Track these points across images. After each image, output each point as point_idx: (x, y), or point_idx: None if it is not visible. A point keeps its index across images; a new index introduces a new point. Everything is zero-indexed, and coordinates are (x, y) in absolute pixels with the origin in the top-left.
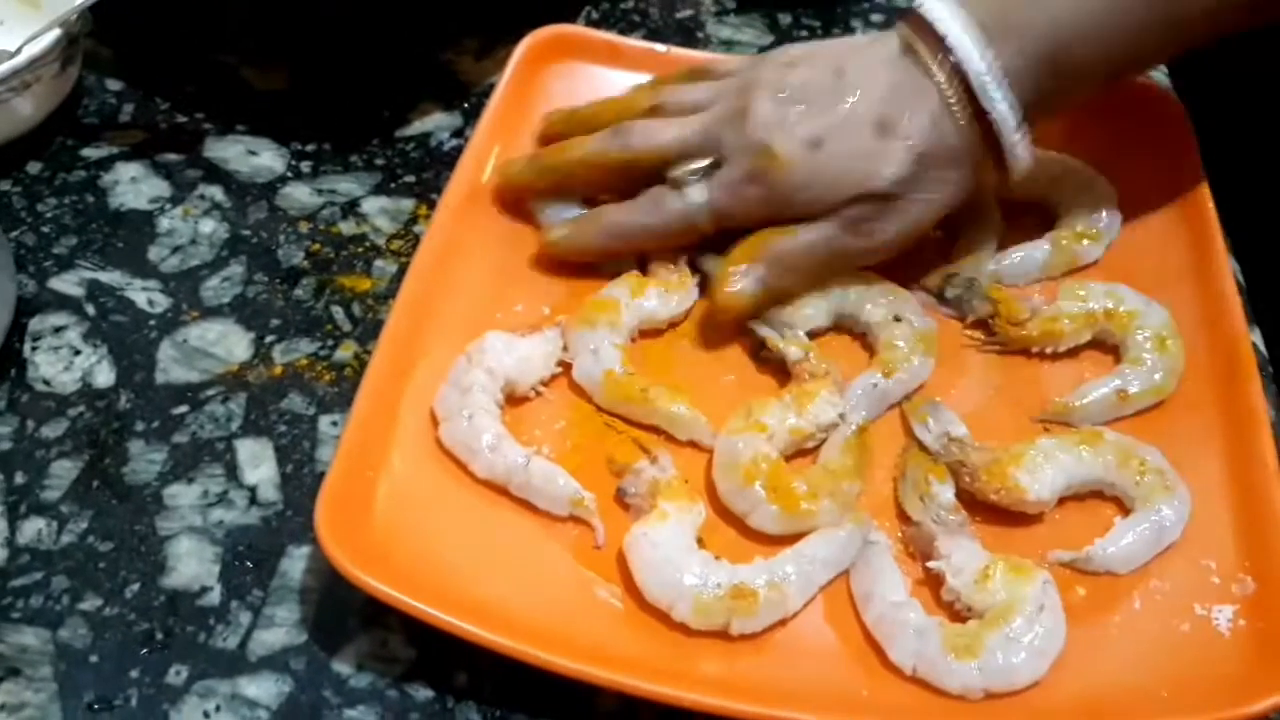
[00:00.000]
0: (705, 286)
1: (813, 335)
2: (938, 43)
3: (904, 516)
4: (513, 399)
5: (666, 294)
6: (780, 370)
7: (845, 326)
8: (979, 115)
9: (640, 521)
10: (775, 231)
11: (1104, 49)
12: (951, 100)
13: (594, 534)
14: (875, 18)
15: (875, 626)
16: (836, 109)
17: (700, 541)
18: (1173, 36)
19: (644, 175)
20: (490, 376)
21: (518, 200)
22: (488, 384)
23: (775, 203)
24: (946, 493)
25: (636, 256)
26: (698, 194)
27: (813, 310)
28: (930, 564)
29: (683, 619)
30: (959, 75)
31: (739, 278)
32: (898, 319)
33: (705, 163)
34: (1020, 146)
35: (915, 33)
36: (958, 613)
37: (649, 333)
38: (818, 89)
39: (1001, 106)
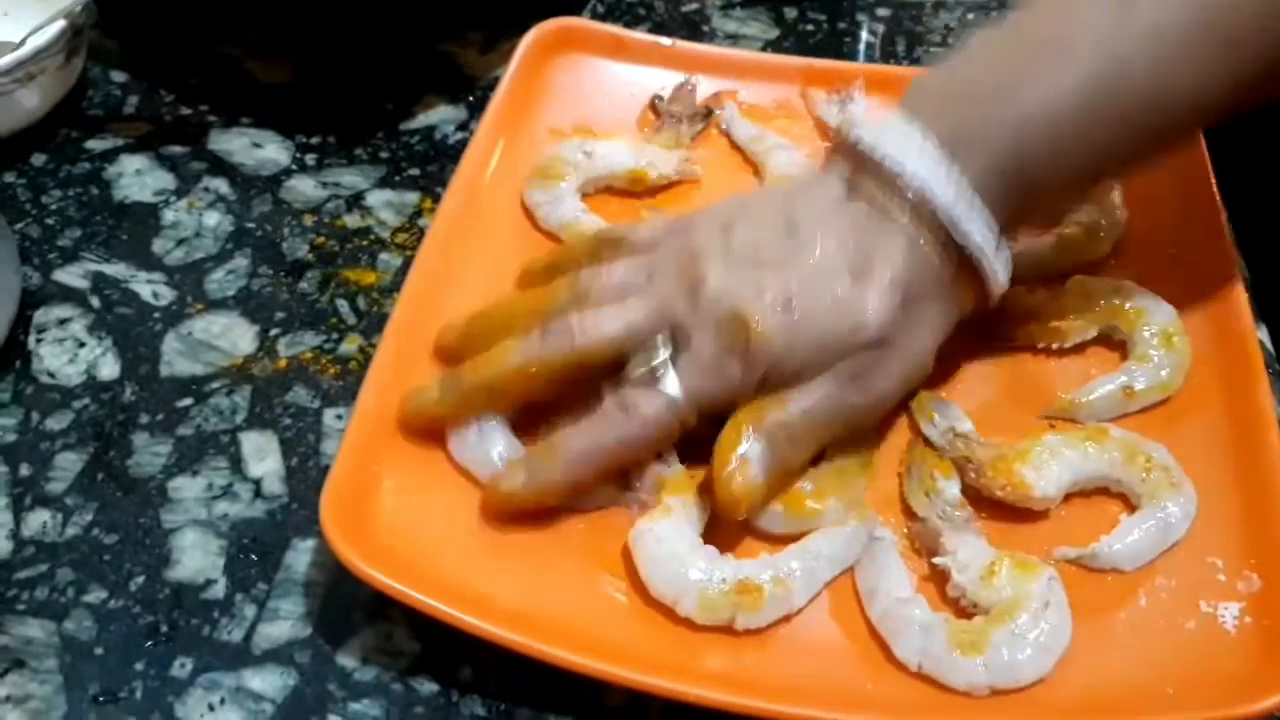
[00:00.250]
0: None
1: None
2: (890, 181)
3: (909, 512)
4: (531, 406)
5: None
6: None
7: None
8: (951, 245)
9: (645, 517)
10: (766, 404)
11: (1081, 152)
12: (920, 239)
13: (601, 526)
14: (881, 11)
15: (880, 622)
16: (800, 264)
17: (705, 538)
18: (1157, 129)
19: (590, 377)
20: None
21: (429, 428)
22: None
23: (757, 377)
24: (952, 488)
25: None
26: (672, 386)
27: None
28: (936, 560)
29: (687, 614)
30: (923, 210)
31: (743, 467)
32: None
33: (668, 350)
34: (1000, 270)
35: (861, 171)
36: (963, 609)
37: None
38: (771, 248)
39: (976, 238)
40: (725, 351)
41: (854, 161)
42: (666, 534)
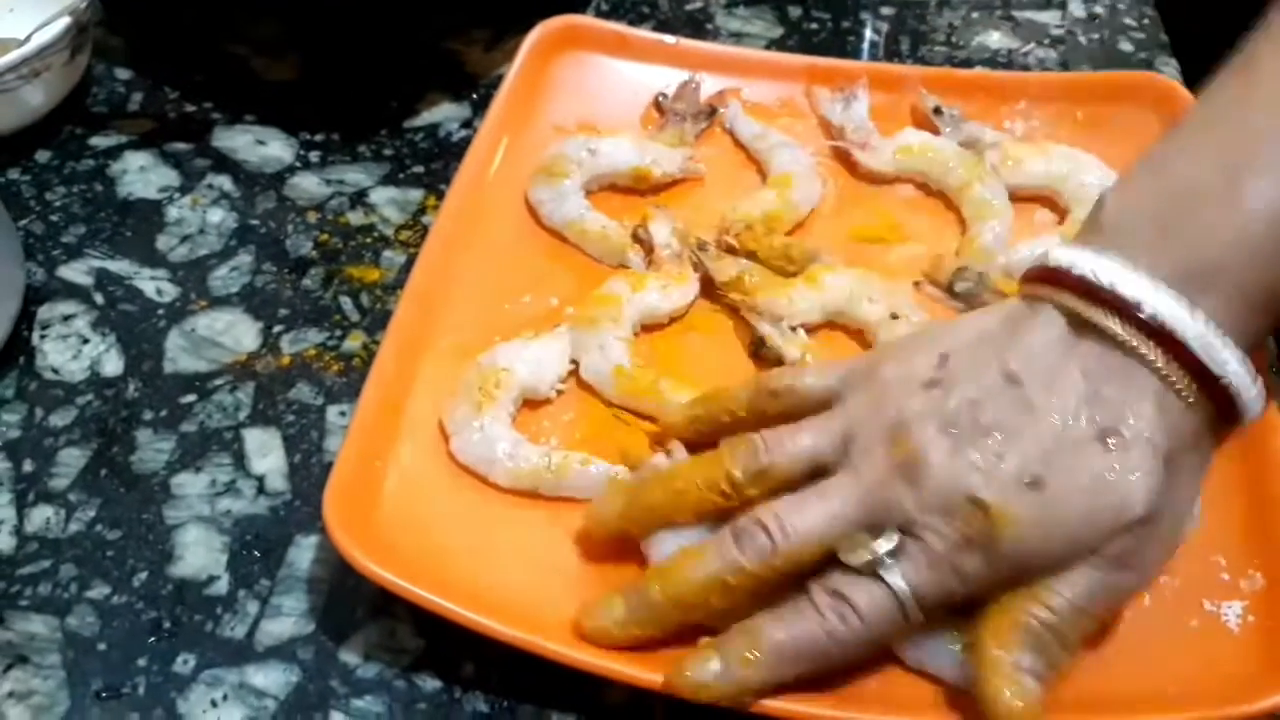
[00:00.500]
0: (706, 281)
1: (808, 330)
2: (1128, 311)
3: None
4: (532, 403)
5: (667, 288)
6: (779, 366)
7: (841, 323)
8: (1207, 383)
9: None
10: (1022, 602)
11: None
12: (1172, 378)
13: None
14: (885, 10)
15: None
16: (1039, 430)
17: None
18: None
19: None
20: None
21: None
22: (500, 398)
23: (1005, 569)
24: None
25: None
26: (897, 581)
27: (807, 306)
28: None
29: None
30: (1172, 345)
31: (1016, 680)
32: (895, 316)
33: (893, 541)
34: (1257, 400)
35: (1088, 302)
36: None
37: (651, 327)
38: (996, 409)
39: (1234, 366)
40: (962, 544)
41: (1073, 292)
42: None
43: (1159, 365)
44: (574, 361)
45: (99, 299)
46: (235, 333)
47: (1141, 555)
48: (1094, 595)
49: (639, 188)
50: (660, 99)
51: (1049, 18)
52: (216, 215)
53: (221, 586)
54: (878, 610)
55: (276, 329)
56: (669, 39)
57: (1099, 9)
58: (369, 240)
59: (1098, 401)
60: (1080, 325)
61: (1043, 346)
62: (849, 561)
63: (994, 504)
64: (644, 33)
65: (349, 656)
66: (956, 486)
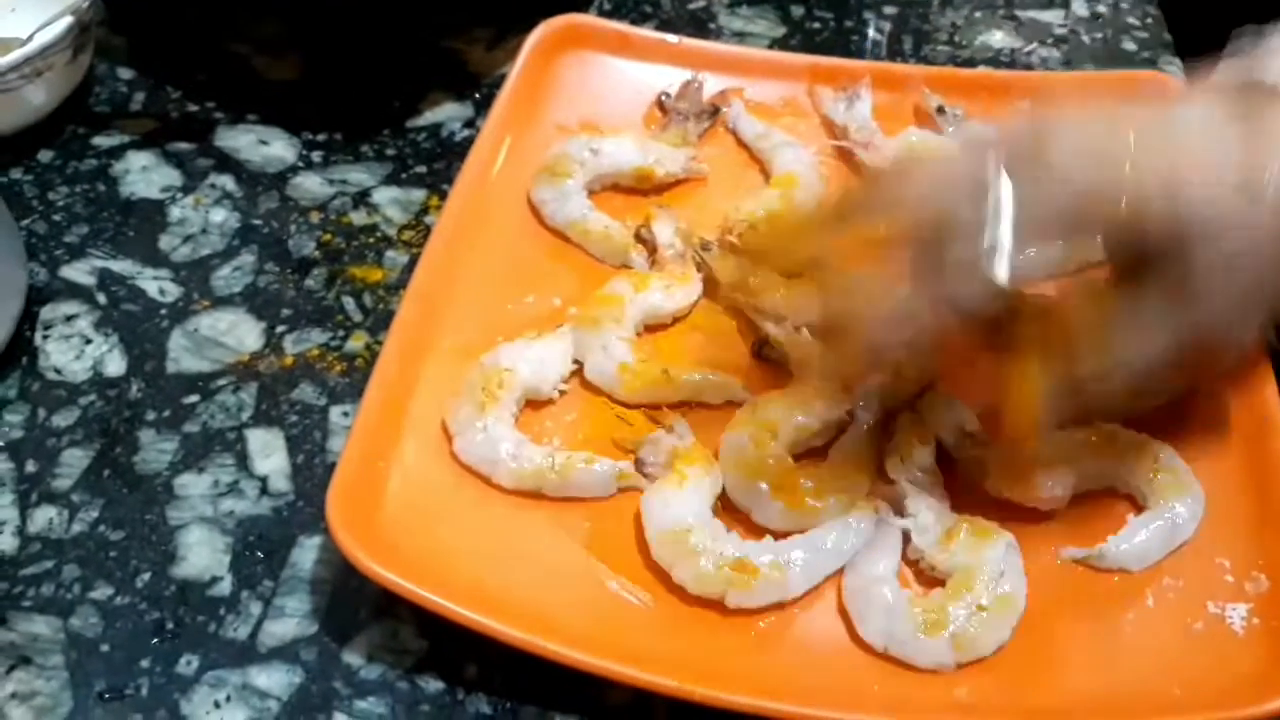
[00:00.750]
0: (709, 281)
1: (811, 330)
2: None
3: (884, 476)
4: (535, 403)
5: (670, 288)
6: (782, 367)
7: None
8: None
9: (658, 482)
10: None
11: None
12: None
13: (607, 523)
14: (888, 9)
15: (849, 601)
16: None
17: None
18: None
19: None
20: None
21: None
22: (503, 398)
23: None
24: (926, 456)
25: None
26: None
27: (809, 304)
28: (898, 521)
29: (681, 581)
30: None
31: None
32: None
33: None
34: None
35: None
36: (928, 577)
37: (654, 327)
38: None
39: None
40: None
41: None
42: (674, 500)
43: None
44: (577, 361)
45: (102, 299)
46: (238, 333)
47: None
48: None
49: (642, 187)
50: (663, 98)
51: (1052, 17)
52: (219, 215)
53: (224, 587)
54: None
55: (279, 329)
56: (671, 38)
57: (1102, 8)
58: (372, 240)
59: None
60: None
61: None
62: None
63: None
64: (646, 32)
65: (352, 657)
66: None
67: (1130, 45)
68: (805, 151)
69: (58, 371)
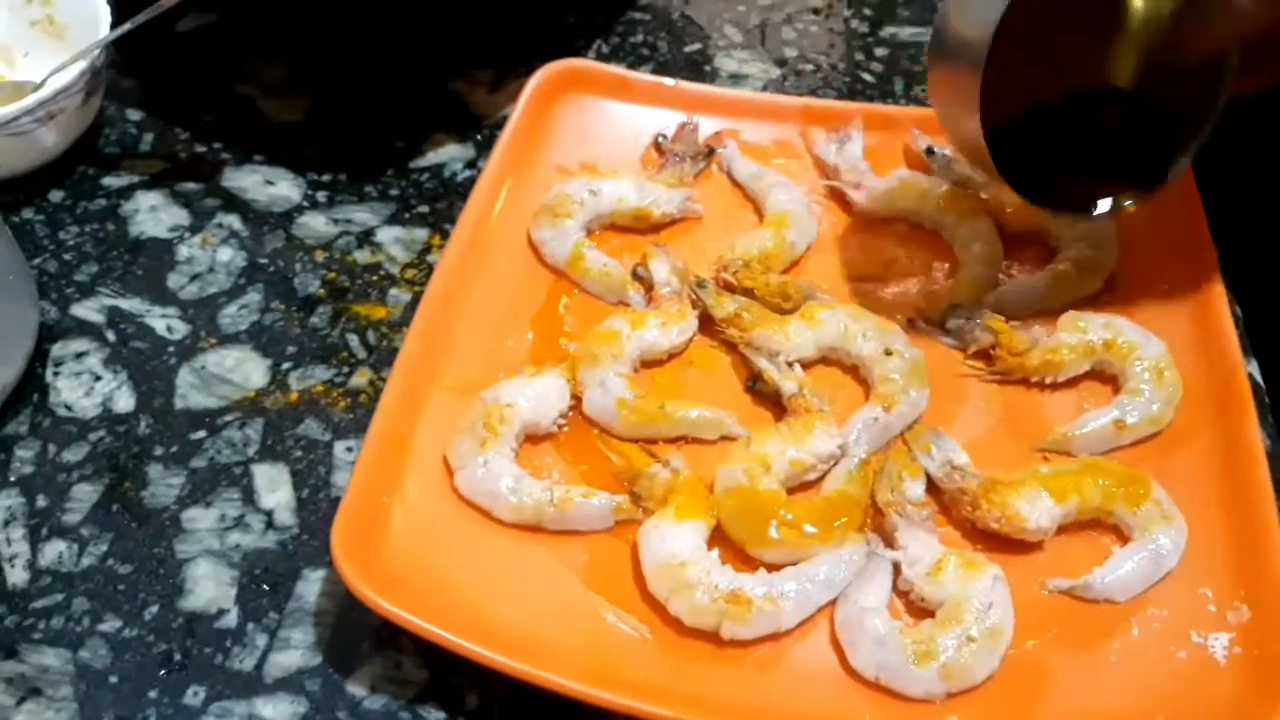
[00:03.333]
0: (705, 318)
1: (803, 366)
2: None
3: (876, 508)
4: (534, 438)
5: (666, 325)
6: (776, 402)
7: (835, 359)
8: None
9: (656, 515)
10: None
11: None
12: None
13: (604, 556)
14: (879, 51)
15: (841, 630)
16: None
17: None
18: None
19: None
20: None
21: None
22: (504, 433)
23: None
24: (916, 488)
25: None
26: None
27: (802, 341)
28: (888, 553)
29: (677, 613)
30: None
31: None
32: (888, 352)
33: None
34: None
35: None
36: (918, 607)
37: (650, 363)
38: None
39: None
40: None
41: None
42: (670, 533)
43: None
44: (575, 397)
45: (111, 336)
46: (244, 370)
47: None
48: None
49: (639, 227)
50: (660, 140)
51: None
52: (226, 254)
53: (231, 620)
54: None
55: (285, 366)
56: (668, 82)
57: None
58: (375, 278)
59: None
60: None
61: None
62: None
63: None
64: (644, 76)
65: (355, 688)
66: None
67: None
68: (798, 191)
69: (68, 408)
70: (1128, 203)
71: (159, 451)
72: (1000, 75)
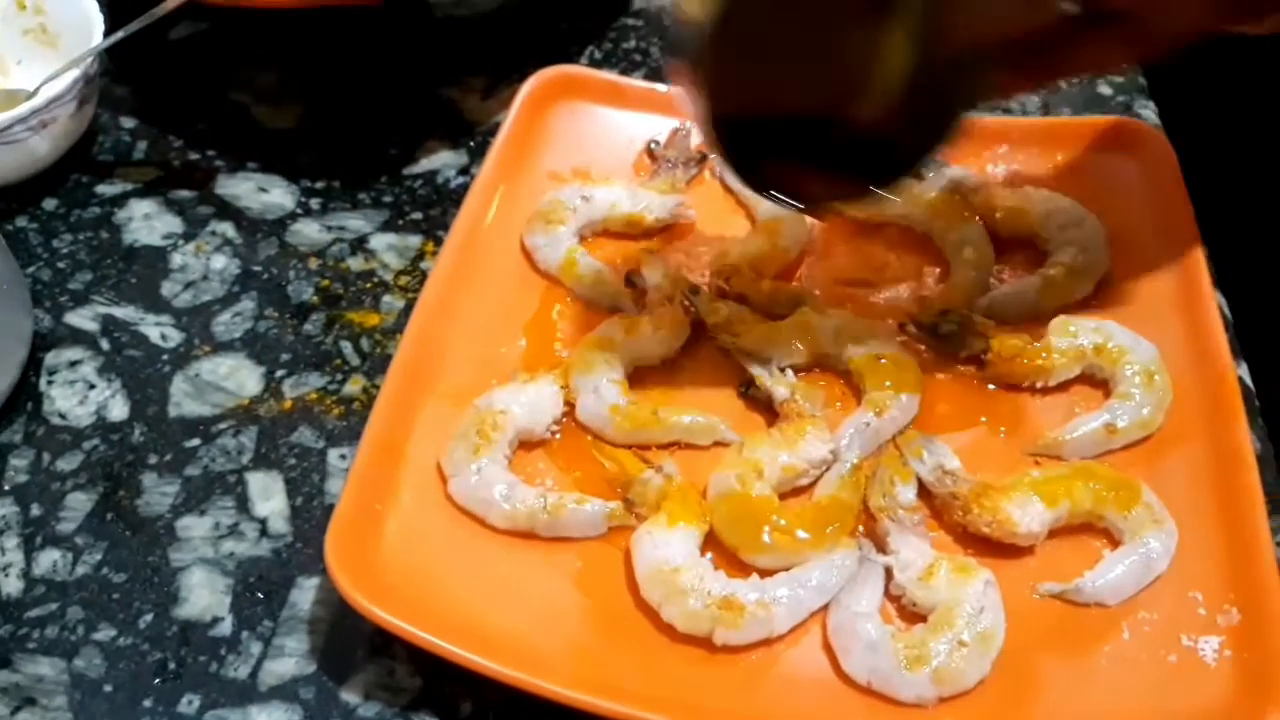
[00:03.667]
0: (697, 324)
1: (795, 371)
2: None
3: (868, 513)
4: (527, 444)
5: (659, 331)
6: (768, 407)
7: (827, 364)
8: None
9: (648, 522)
10: None
11: None
12: None
13: (597, 562)
14: None
15: (833, 636)
16: None
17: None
18: None
19: None
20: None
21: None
22: (497, 440)
23: None
24: (907, 493)
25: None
26: None
27: (795, 347)
28: (880, 558)
29: (670, 620)
30: None
31: None
32: (880, 357)
33: None
34: None
35: None
36: (910, 612)
37: (643, 369)
38: None
39: None
40: None
41: None
42: (663, 540)
43: None
44: (568, 403)
45: (105, 345)
46: (238, 377)
47: None
48: None
49: (631, 233)
50: (652, 146)
51: None
52: (219, 261)
53: (225, 628)
54: None
55: (278, 373)
56: (660, 88)
57: None
58: (369, 286)
59: None
60: None
61: None
62: None
63: None
64: (636, 82)
65: (349, 696)
66: None
67: (1106, 89)
68: None
69: (62, 416)
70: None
71: (153, 460)
72: (722, 77)
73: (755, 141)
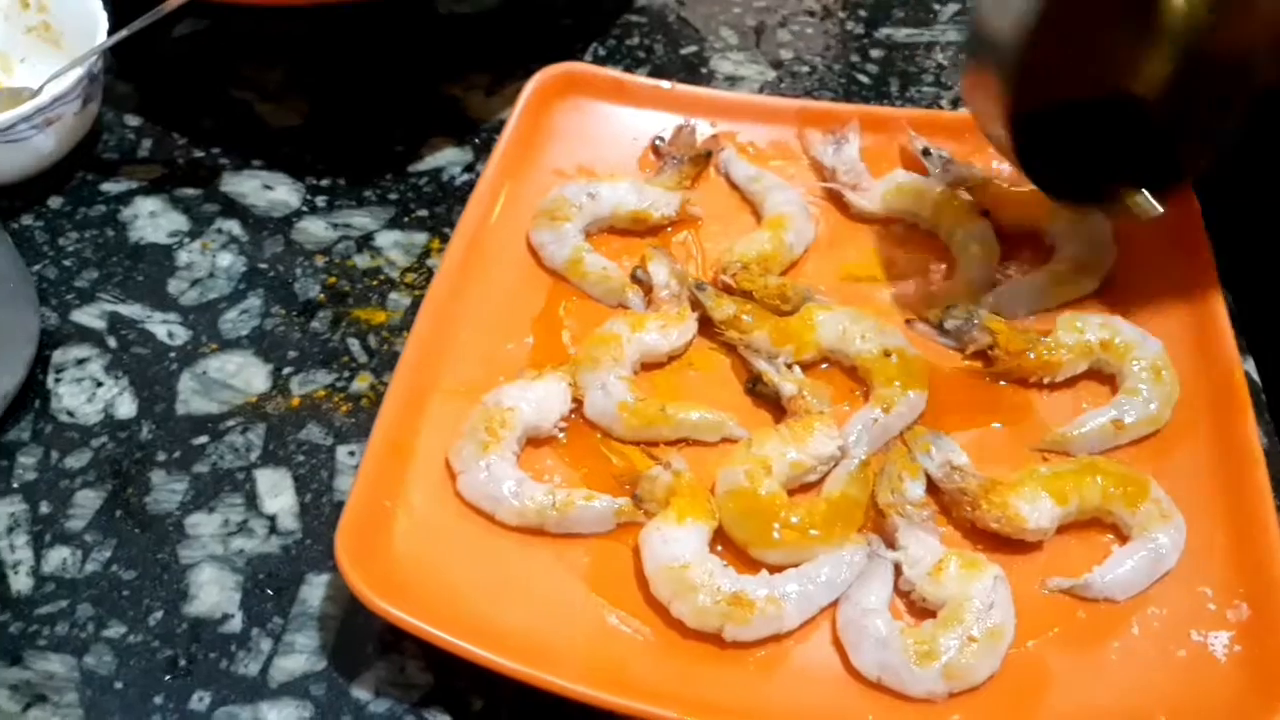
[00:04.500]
0: (704, 320)
1: (803, 367)
2: None
3: (876, 509)
4: (536, 441)
5: (666, 328)
6: (775, 403)
7: (834, 360)
8: None
9: (658, 518)
10: None
11: None
12: None
13: (607, 558)
14: (874, 53)
15: (843, 631)
16: None
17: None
18: None
19: None
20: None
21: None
22: (506, 437)
23: None
24: (916, 489)
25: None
26: None
27: (800, 344)
28: (889, 553)
29: (679, 616)
30: None
31: None
32: (887, 353)
33: None
34: None
35: None
36: (919, 608)
37: (650, 365)
38: None
39: None
40: None
41: None
42: (672, 536)
43: None
44: (576, 400)
45: (112, 343)
46: (246, 375)
47: None
48: None
49: (637, 230)
50: (657, 143)
51: None
52: (226, 259)
53: (235, 624)
54: None
55: (286, 371)
56: (665, 84)
57: None
58: (375, 283)
59: None
60: None
61: None
62: None
63: None
64: (640, 79)
65: (360, 693)
66: None
67: None
68: (795, 193)
69: (70, 414)
70: (1147, 201)
71: (161, 457)
72: (1030, 75)
73: (1054, 150)
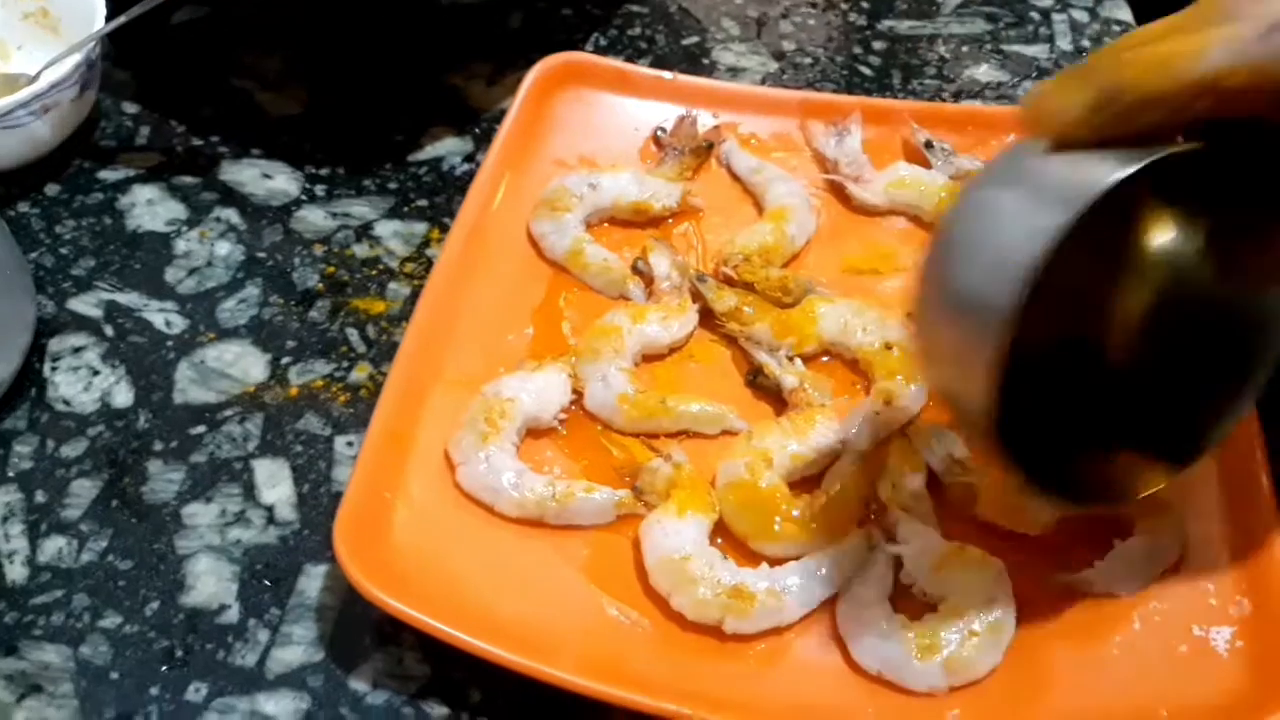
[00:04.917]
0: (705, 312)
1: (804, 360)
2: None
3: (878, 502)
4: (535, 432)
5: (667, 320)
6: (776, 396)
7: (835, 352)
8: None
9: (658, 510)
10: None
11: None
12: None
13: (606, 550)
14: (877, 44)
15: (842, 624)
16: None
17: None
18: None
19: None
20: (507, 421)
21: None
22: (505, 428)
23: None
24: (916, 481)
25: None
26: None
27: (801, 336)
28: (890, 547)
29: (679, 608)
30: None
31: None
32: (889, 346)
33: None
34: None
35: None
36: (920, 601)
37: (651, 357)
38: None
39: None
40: None
41: None
42: (672, 528)
43: None
44: (576, 391)
45: (109, 331)
46: (243, 364)
47: None
48: None
49: (638, 221)
50: (659, 134)
51: (1037, 51)
52: (224, 248)
53: (232, 615)
54: None
55: (284, 360)
56: (666, 75)
57: (1085, 42)
58: (374, 272)
59: None
60: None
61: None
62: None
63: None
64: (642, 69)
65: (358, 684)
66: None
67: None
68: (797, 185)
69: (66, 403)
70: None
71: (158, 447)
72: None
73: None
